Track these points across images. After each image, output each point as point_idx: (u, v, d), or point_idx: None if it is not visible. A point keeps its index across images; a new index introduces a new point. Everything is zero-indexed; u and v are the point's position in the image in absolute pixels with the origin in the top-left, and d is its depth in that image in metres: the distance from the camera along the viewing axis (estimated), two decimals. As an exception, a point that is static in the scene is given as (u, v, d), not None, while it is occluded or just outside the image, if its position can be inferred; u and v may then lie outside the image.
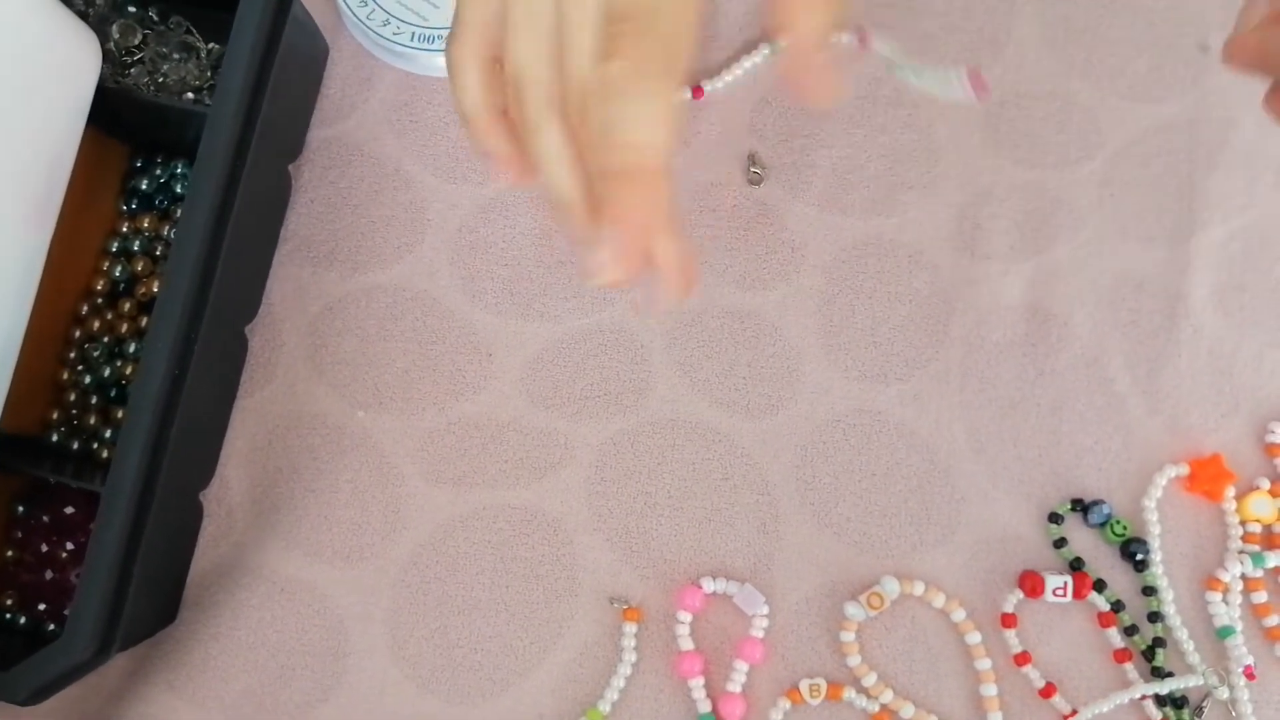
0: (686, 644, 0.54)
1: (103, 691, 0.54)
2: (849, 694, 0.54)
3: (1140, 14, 0.60)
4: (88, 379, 0.56)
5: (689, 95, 0.59)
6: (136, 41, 0.57)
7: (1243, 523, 0.56)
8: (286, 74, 0.53)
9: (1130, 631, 0.55)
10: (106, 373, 0.56)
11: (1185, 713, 0.54)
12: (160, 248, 0.57)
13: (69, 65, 0.49)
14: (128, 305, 0.56)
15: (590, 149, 0.35)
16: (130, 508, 0.48)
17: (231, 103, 0.50)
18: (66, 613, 0.49)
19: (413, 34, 0.58)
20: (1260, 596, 0.55)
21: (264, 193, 0.56)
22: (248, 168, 0.51)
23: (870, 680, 0.54)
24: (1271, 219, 0.58)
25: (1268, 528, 0.56)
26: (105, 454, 0.55)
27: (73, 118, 0.50)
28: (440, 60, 0.59)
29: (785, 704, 0.54)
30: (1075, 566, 0.55)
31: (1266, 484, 0.56)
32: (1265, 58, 0.40)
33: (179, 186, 0.58)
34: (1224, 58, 0.40)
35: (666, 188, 0.35)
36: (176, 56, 0.58)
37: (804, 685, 0.54)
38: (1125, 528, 0.55)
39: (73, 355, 0.56)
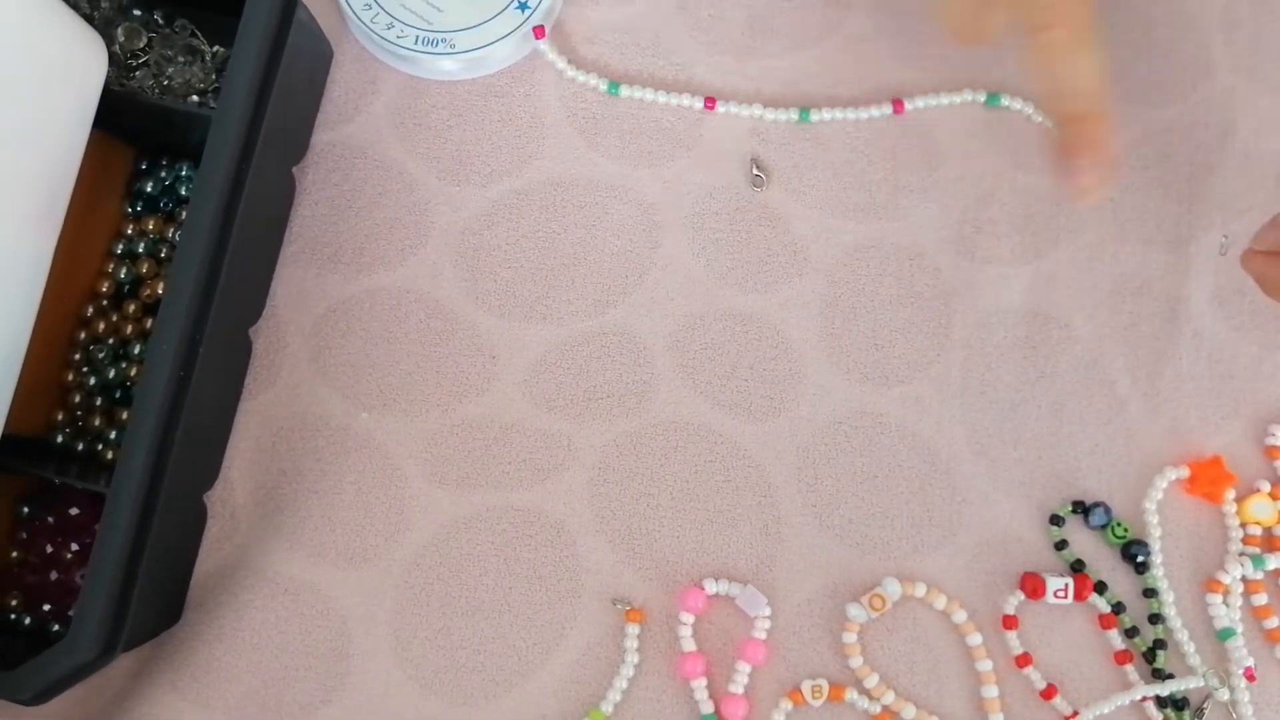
0: (689, 645, 0.54)
1: (106, 692, 0.54)
2: (851, 695, 0.54)
3: (1139, 19, 0.61)
4: (92, 380, 0.56)
5: (703, 106, 0.59)
6: (141, 45, 0.58)
7: (1243, 525, 0.56)
8: (291, 77, 0.54)
9: (1131, 633, 0.55)
10: (111, 374, 0.56)
11: (1186, 714, 0.54)
12: (165, 250, 0.57)
13: (75, 68, 0.50)
14: (132, 307, 0.57)
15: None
16: (135, 508, 0.48)
17: (237, 105, 0.50)
18: (71, 613, 0.50)
19: (416, 37, 0.59)
20: (1261, 599, 0.55)
21: (268, 195, 0.56)
22: (252, 170, 0.51)
23: (872, 681, 0.54)
24: (1270, 223, 0.58)
25: (1268, 530, 0.56)
26: (110, 455, 0.55)
27: (79, 120, 0.50)
28: (444, 64, 0.59)
29: (787, 705, 0.54)
30: (1076, 568, 0.55)
31: (1267, 486, 0.56)
32: (1265, 283, 0.50)
33: (184, 189, 0.58)
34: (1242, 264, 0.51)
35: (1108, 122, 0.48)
36: (181, 60, 0.58)
37: (806, 686, 0.54)
38: (1126, 530, 0.55)
39: (77, 357, 0.56)
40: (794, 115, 0.59)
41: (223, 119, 0.50)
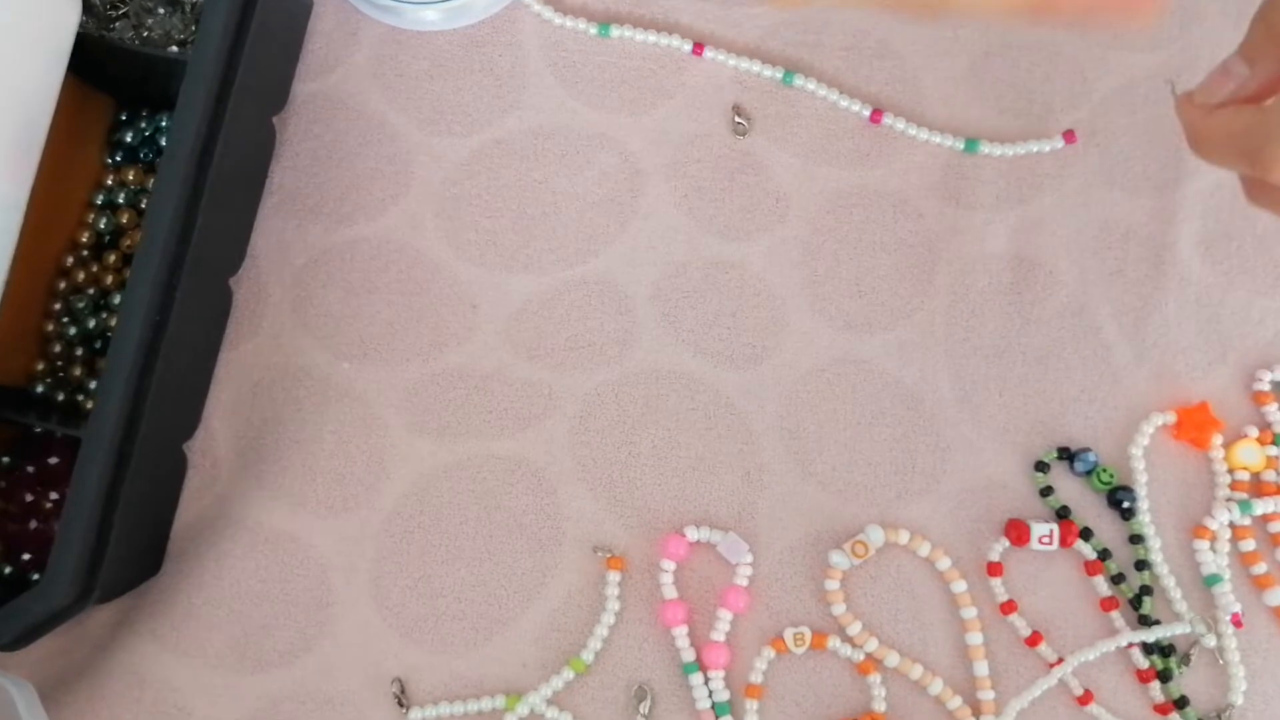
0: (670, 593, 0.54)
1: (87, 642, 0.54)
2: (834, 643, 0.54)
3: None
4: (73, 331, 0.56)
5: (691, 50, 0.59)
6: (121, -5, 0.58)
7: (1230, 471, 0.55)
8: (267, 26, 0.53)
9: (1117, 580, 0.54)
10: (91, 324, 0.56)
11: (1172, 660, 0.53)
12: (145, 201, 0.57)
13: (46, 11, 0.49)
14: (113, 258, 0.57)
15: None
16: (110, 454, 0.48)
17: (210, 50, 0.50)
18: (49, 560, 0.49)
19: (396, -13, 0.58)
20: (1248, 544, 0.55)
21: (247, 145, 0.56)
22: (228, 118, 0.51)
23: (855, 629, 0.54)
24: (1259, 167, 0.58)
25: (1256, 475, 0.55)
26: (90, 405, 0.55)
27: (51, 66, 0.50)
28: (427, 14, 0.59)
29: (770, 653, 0.53)
30: (1061, 515, 0.55)
31: (1254, 432, 0.55)
32: (1193, 135, 0.42)
33: (164, 140, 0.58)
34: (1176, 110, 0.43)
35: None
36: (161, 11, 0.58)
37: (788, 634, 0.54)
38: (1112, 476, 0.55)
39: (58, 307, 0.56)
40: (778, 75, 0.59)
41: (197, 63, 0.50)
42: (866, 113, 0.58)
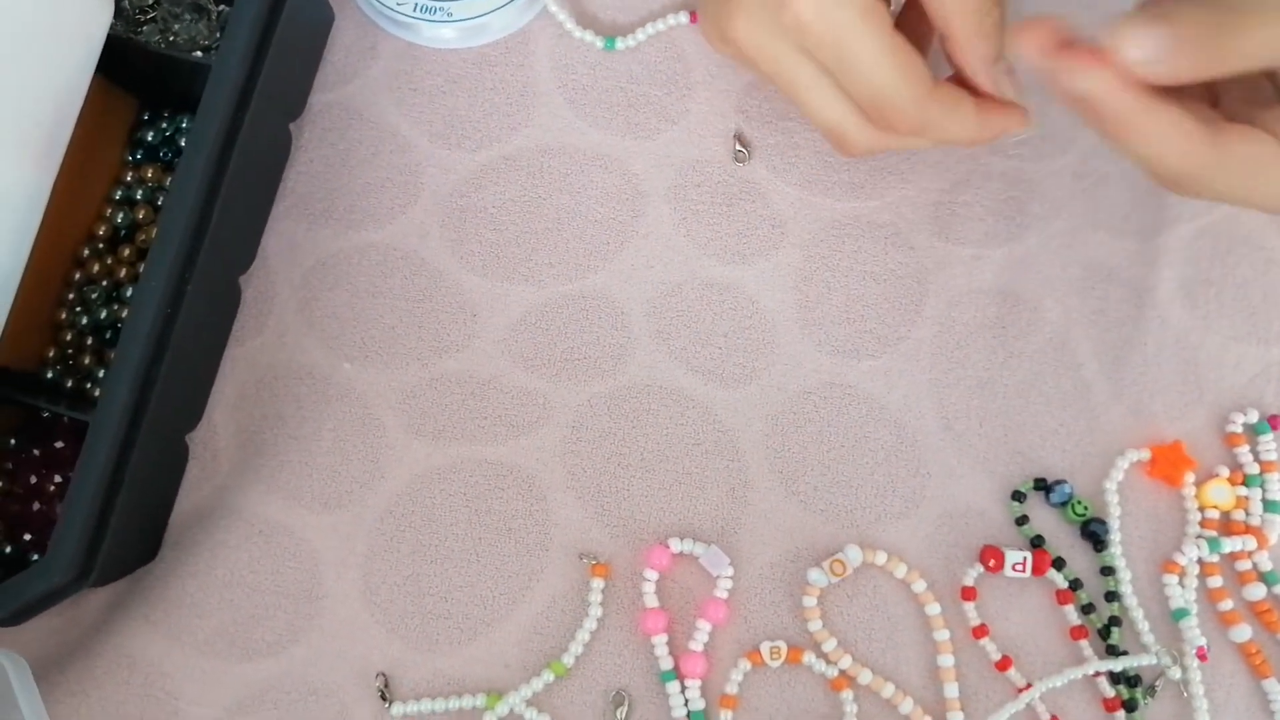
0: (651, 601, 0.55)
1: (82, 623, 0.56)
2: (808, 658, 0.55)
3: (1118, 11, 0.62)
4: (85, 320, 0.58)
5: (687, 20, 0.61)
6: (150, 1, 0.60)
7: (1201, 509, 0.57)
8: (289, 36, 0.55)
9: (1087, 609, 0.56)
10: (103, 315, 0.57)
11: (1138, 691, 0.55)
12: (162, 198, 0.59)
13: (80, 13, 0.51)
14: (127, 251, 0.58)
15: None
16: (115, 439, 0.49)
17: (235, 56, 0.52)
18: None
19: (415, 5, 0.61)
20: (1215, 581, 0.56)
21: (264, 148, 0.58)
22: (247, 121, 0.53)
23: (830, 646, 0.55)
24: (1238, 218, 0.59)
25: (1225, 514, 0.57)
26: (97, 393, 0.56)
27: (82, 64, 0.52)
28: (444, 31, 0.61)
29: (746, 665, 0.55)
30: (1035, 544, 0.56)
31: (1226, 472, 0.57)
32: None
33: (183, 140, 0.60)
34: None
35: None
36: (188, 17, 0.60)
37: (765, 647, 0.55)
38: (1086, 508, 0.56)
39: (72, 296, 0.58)
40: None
41: (221, 68, 0.52)
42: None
